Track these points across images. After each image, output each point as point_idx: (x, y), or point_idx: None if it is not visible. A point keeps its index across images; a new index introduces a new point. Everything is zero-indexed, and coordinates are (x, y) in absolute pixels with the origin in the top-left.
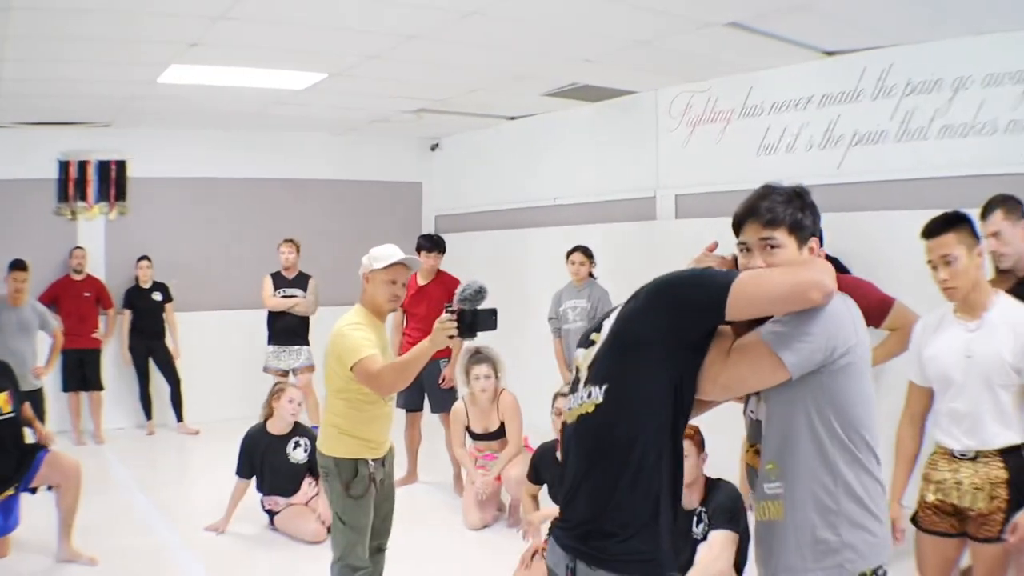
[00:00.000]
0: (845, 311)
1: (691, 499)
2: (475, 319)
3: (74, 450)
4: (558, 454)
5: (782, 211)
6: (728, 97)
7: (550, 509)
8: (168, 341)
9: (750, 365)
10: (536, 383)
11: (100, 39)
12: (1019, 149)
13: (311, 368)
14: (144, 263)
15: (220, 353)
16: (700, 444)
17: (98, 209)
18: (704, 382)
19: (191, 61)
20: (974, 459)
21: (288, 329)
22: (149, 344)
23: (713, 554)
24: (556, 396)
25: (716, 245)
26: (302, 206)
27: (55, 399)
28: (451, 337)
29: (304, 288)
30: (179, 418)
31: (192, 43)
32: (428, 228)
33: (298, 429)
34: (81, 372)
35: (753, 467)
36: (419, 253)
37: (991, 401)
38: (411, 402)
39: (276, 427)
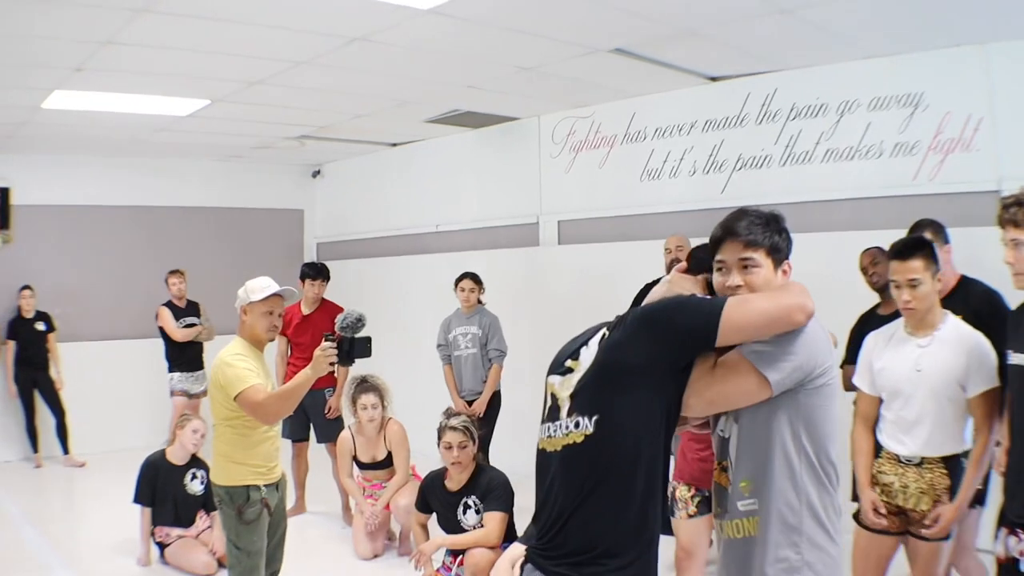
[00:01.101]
0: (822, 333)
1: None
2: (352, 346)
3: None
4: (446, 482)
5: (761, 233)
6: (611, 122)
7: (440, 538)
8: (52, 372)
9: (735, 382)
10: (421, 410)
11: None
12: (906, 170)
13: (207, 393)
14: (27, 292)
15: (106, 383)
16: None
17: None
18: (690, 398)
19: (76, 87)
20: (919, 465)
21: (193, 356)
22: (34, 375)
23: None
24: (443, 427)
25: (685, 267)
26: (186, 233)
27: None
28: (332, 364)
29: (197, 315)
30: (65, 450)
31: (77, 68)
32: (310, 255)
33: (196, 461)
34: None
35: (720, 484)
36: (303, 282)
37: (937, 412)
38: (297, 432)
39: (176, 456)
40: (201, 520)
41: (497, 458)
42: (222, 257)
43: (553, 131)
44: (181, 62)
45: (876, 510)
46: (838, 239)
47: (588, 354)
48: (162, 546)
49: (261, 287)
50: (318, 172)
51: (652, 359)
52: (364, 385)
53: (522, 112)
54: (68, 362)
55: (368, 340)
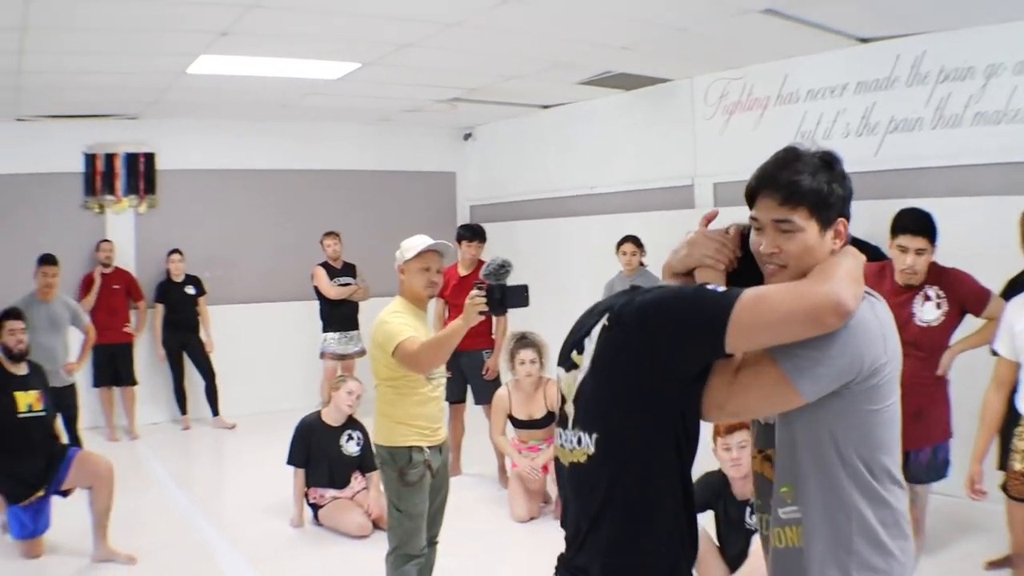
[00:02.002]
0: (875, 325)
1: (745, 489)
2: (504, 295)
3: (108, 446)
4: None
5: (806, 185)
6: (764, 84)
7: None
8: (202, 335)
9: (760, 392)
10: None
11: (127, 30)
12: None
13: (362, 353)
14: (176, 256)
15: (256, 346)
16: None
17: (127, 202)
18: (709, 409)
19: (222, 51)
20: None
21: (347, 316)
22: (183, 338)
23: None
24: None
25: (716, 214)
26: (335, 197)
27: (87, 395)
28: (482, 313)
29: (354, 276)
30: (215, 412)
31: (223, 32)
32: (463, 218)
33: (352, 422)
34: (113, 367)
35: (762, 475)
36: (460, 243)
37: None
38: (454, 393)
39: (331, 417)
40: (356, 481)
41: None
42: (376, 221)
43: (706, 93)
44: (331, 25)
45: (974, 486)
46: (989, 203)
47: (591, 347)
48: (315, 507)
49: (415, 245)
50: (470, 135)
51: (655, 368)
52: (523, 341)
53: (675, 74)
54: (218, 325)
55: (524, 288)
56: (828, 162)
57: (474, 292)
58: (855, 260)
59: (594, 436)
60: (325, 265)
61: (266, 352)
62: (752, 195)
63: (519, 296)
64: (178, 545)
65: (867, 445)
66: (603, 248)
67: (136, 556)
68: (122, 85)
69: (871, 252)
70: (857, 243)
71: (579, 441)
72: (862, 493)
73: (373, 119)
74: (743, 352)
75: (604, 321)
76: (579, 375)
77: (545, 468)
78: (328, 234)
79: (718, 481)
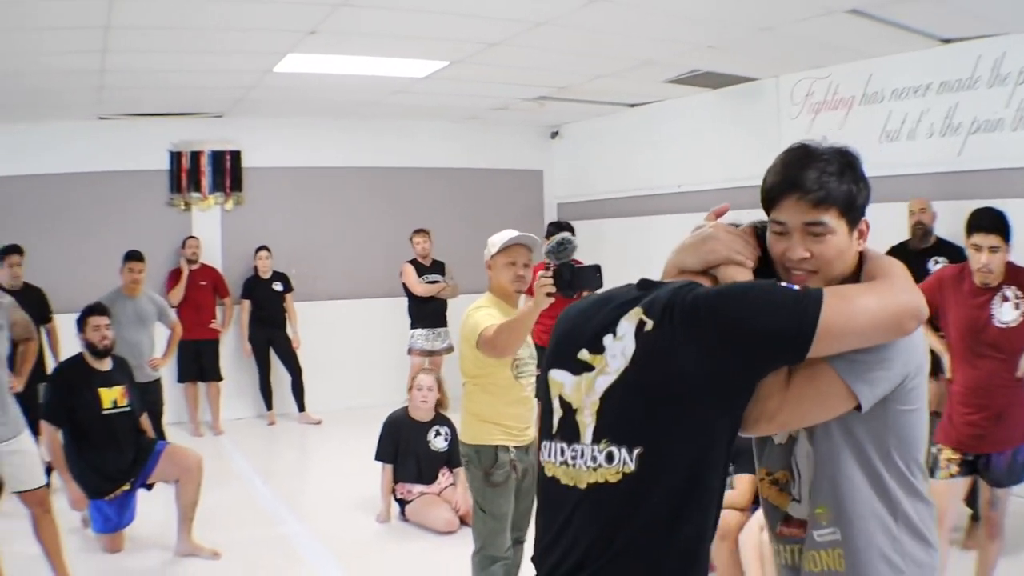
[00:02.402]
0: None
1: None
2: (574, 276)
3: (192, 441)
4: None
5: (835, 186)
6: (849, 83)
7: None
8: (289, 331)
9: (816, 399)
10: None
11: (214, 28)
12: None
13: (450, 350)
14: (264, 253)
15: (344, 342)
16: None
17: (213, 199)
18: (758, 421)
19: (309, 50)
20: None
21: (436, 313)
22: (270, 334)
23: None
24: None
25: (726, 209)
26: (423, 194)
27: (171, 390)
28: (550, 295)
29: (442, 274)
30: (301, 408)
31: (311, 31)
32: (550, 216)
33: (440, 418)
34: (198, 363)
35: (768, 500)
36: (549, 240)
37: None
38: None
39: (419, 413)
40: (444, 477)
41: None
42: (463, 218)
43: (792, 92)
44: (419, 23)
45: None
46: None
47: (618, 348)
48: (403, 503)
49: (500, 239)
50: (556, 133)
51: (719, 369)
52: None
53: (761, 73)
54: (305, 321)
55: (596, 268)
56: (851, 161)
57: (542, 273)
58: (902, 267)
59: (636, 452)
60: (414, 262)
61: (353, 348)
62: (774, 197)
63: (591, 277)
64: (262, 540)
65: (905, 444)
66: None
67: (220, 551)
68: (208, 84)
69: (955, 253)
70: (942, 244)
71: (609, 458)
72: (906, 492)
73: (460, 117)
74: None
75: (641, 317)
76: (601, 379)
77: None
78: (417, 231)
79: None
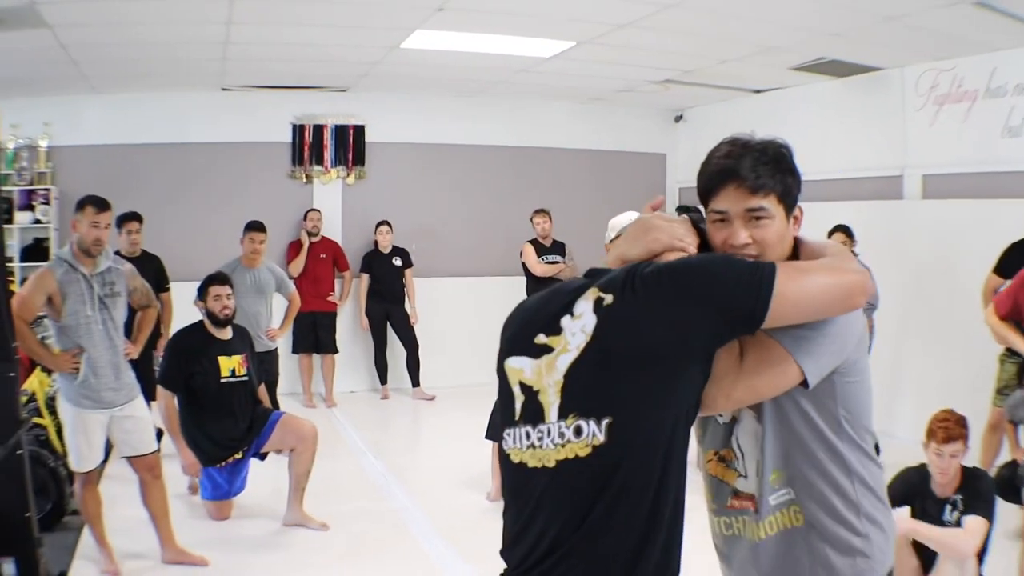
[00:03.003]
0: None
1: (946, 488)
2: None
3: (304, 412)
4: None
5: (772, 174)
6: (973, 76)
7: None
8: (407, 306)
9: (767, 376)
10: None
11: (342, 2)
12: None
13: None
14: (384, 228)
15: (461, 319)
16: (968, 439)
17: (335, 173)
18: (716, 397)
19: (437, 26)
20: None
21: None
22: (387, 309)
23: (967, 533)
24: None
25: (662, 202)
26: (545, 174)
27: (287, 360)
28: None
29: (563, 254)
30: (415, 383)
31: (439, 7)
32: (672, 200)
33: None
34: (314, 335)
35: (716, 477)
36: None
37: None
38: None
39: None
40: None
41: None
42: (585, 199)
43: (917, 83)
44: (547, 3)
45: None
46: None
47: (577, 326)
48: None
49: (620, 223)
50: (680, 117)
51: (684, 336)
52: None
53: (885, 63)
54: (423, 297)
55: None
56: (783, 151)
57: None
58: (838, 244)
59: (604, 422)
60: (534, 242)
61: (470, 326)
62: (713, 188)
63: None
64: (371, 514)
65: (855, 414)
66: (812, 234)
67: (328, 523)
68: (334, 58)
69: None
70: None
71: (578, 432)
72: (859, 456)
73: (585, 98)
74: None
75: (599, 295)
76: (563, 358)
77: None
78: (538, 212)
79: (918, 477)
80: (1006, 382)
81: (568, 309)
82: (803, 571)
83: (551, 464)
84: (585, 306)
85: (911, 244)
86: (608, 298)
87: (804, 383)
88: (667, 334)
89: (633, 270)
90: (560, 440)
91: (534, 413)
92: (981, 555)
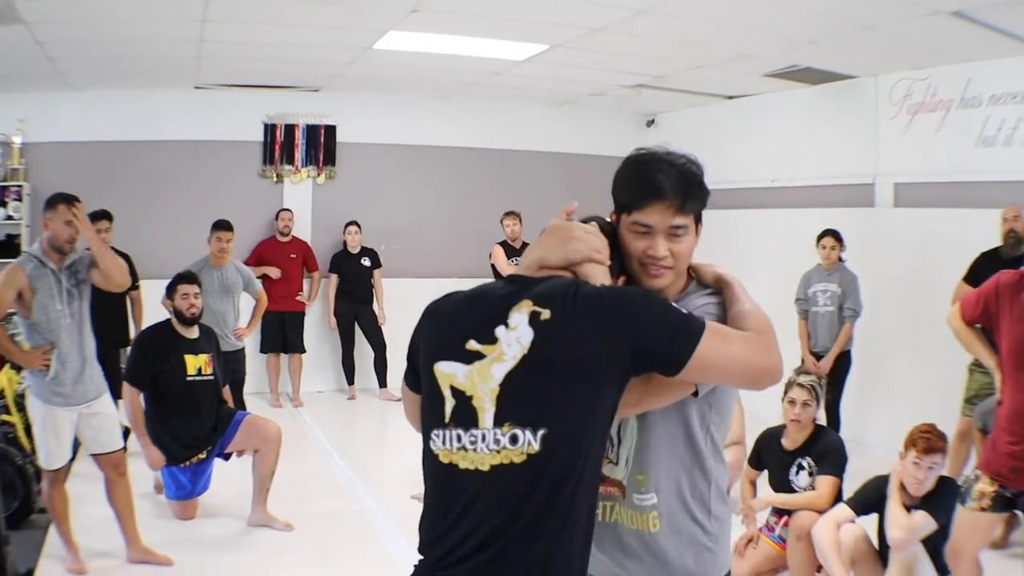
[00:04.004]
0: None
1: (916, 498)
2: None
3: (271, 412)
4: (783, 440)
5: (695, 195)
6: (947, 86)
7: (771, 496)
8: (375, 307)
9: (667, 388)
10: None
11: (315, 2)
12: None
13: None
14: (353, 228)
15: None
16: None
17: (305, 172)
18: (624, 408)
19: (410, 28)
20: None
21: None
22: (356, 309)
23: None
24: (790, 383)
25: (576, 209)
26: (515, 177)
27: (254, 360)
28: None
29: None
30: (382, 384)
31: (412, 9)
32: None
33: None
34: (282, 334)
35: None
36: None
37: None
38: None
39: None
40: None
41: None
42: (556, 202)
43: (891, 91)
44: (521, 6)
45: None
46: None
47: (513, 337)
48: None
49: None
50: (652, 121)
51: (613, 356)
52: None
53: (860, 71)
54: (391, 298)
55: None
56: (701, 171)
57: None
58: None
59: (540, 433)
60: (504, 244)
61: None
62: (639, 203)
63: None
64: (337, 514)
65: (721, 416)
66: (782, 241)
67: (293, 523)
68: (307, 58)
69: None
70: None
71: (513, 440)
72: (715, 459)
73: (557, 101)
74: None
75: (534, 308)
76: (498, 366)
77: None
78: (508, 214)
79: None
80: (975, 391)
81: (502, 319)
82: (662, 570)
83: (485, 468)
84: (520, 318)
85: (882, 252)
86: (545, 313)
87: (695, 393)
88: (599, 350)
89: (573, 289)
90: (496, 446)
91: (466, 417)
92: (936, 545)
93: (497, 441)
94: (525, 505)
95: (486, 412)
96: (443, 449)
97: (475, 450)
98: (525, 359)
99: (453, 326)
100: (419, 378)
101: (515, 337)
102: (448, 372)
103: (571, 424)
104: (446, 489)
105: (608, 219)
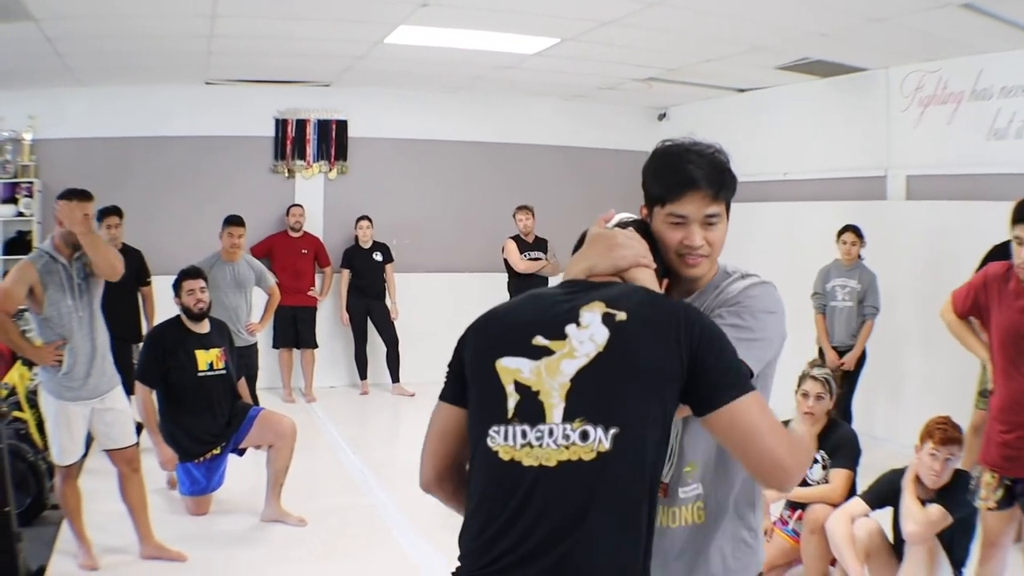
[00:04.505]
0: (782, 301)
1: (928, 490)
2: None
3: (283, 407)
4: (796, 425)
5: (727, 184)
6: (959, 79)
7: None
8: (387, 302)
9: None
10: None
11: None
12: None
13: None
14: (365, 223)
15: (442, 315)
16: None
17: (317, 168)
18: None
19: (421, 22)
20: None
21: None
22: (368, 304)
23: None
24: (804, 375)
25: (613, 216)
26: (530, 171)
27: (266, 355)
28: None
29: (545, 251)
30: (395, 379)
31: (423, 3)
32: None
33: None
34: (294, 329)
35: None
36: None
37: None
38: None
39: None
40: None
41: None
42: (567, 196)
43: (902, 84)
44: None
45: None
46: None
47: (586, 335)
48: None
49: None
50: (664, 115)
51: (677, 373)
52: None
53: (871, 63)
54: (403, 293)
55: None
56: (728, 160)
57: None
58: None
59: (612, 432)
60: (516, 239)
61: (450, 322)
62: (674, 194)
63: None
64: (349, 509)
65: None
66: (794, 234)
67: (306, 519)
68: (317, 53)
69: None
70: None
71: (584, 436)
72: None
73: (568, 95)
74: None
75: (606, 309)
76: (568, 362)
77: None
78: (521, 208)
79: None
80: (989, 384)
81: (572, 318)
82: (702, 565)
83: (551, 464)
84: (592, 317)
85: (894, 245)
86: (621, 315)
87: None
88: (669, 360)
89: (648, 296)
90: (564, 442)
91: (533, 413)
92: (952, 538)
93: (567, 437)
94: (593, 505)
95: (555, 407)
96: (504, 445)
97: (541, 445)
98: (600, 357)
99: (516, 324)
100: (461, 391)
101: (588, 335)
102: (513, 367)
103: (641, 427)
104: (502, 488)
105: (639, 215)
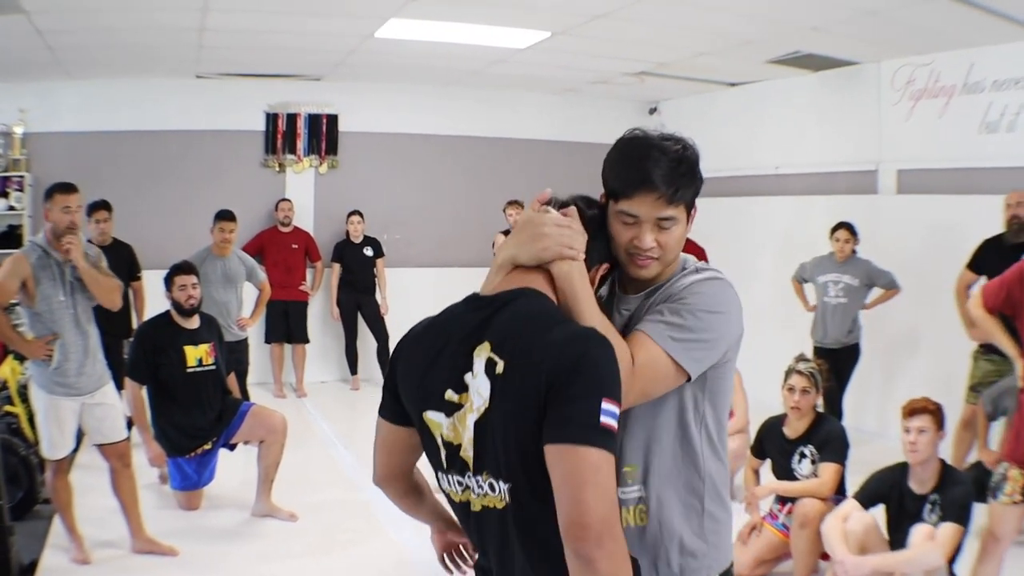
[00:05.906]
0: (736, 300)
1: (925, 482)
2: None
3: (274, 402)
4: (784, 429)
5: (686, 185)
6: (950, 72)
7: (773, 484)
8: (378, 297)
9: (654, 379)
10: (759, 358)
11: None
12: None
13: None
14: (355, 218)
15: (430, 310)
16: (940, 421)
17: (308, 162)
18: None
19: (411, 15)
20: None
21: None
22: (358, 299)
23: (935, 544)
24: (790, 370)
25: (549, 195)
26: (517, 166)
27: (257, 350)
28: None
29: None
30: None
31: None
32: None
33: None
34: (285, 324)
35: None
36: None
37: None
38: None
39: None
40: None
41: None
42: (559, 190)
43: (893, 78)
44: None
45: None
46: None
47: (475, 386)
48: None
49: None
50: (655, 109)
51: (543, 412)
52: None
53: (863, 57)
54: (394, 288)
55: None
56: (694, 158)
57: None
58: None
59: (506, 486)
60: (507, 233)
61: None
62: (627, 192)
63: None
64: (341, 504)
65: (718, 410)
66: (786, 228)
67: (297, 514)
68: (308, 46)
69: None
70: None
71: (492, 488)
72: (710, 453)
73: (559, 89)
74: (627, 336)
75: (490, 355)
76: (470, 417)
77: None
78: (511, 203)
79: (897, 473)
80: (980, 379)
81: (470, 365)
82: (648, 570)
83: (477, 509)
84: (479, 365)
85: (885, 239)
86: (500, 365)
87: (688, 378)
88: (536, 403)
89: (533, 335)
90: (481, 491)
91: (459, 465)
92: (952, 559)
93: (480, 486)
94: (510, 545)
95: (471, 460)
96: (450, 490)
97: (472, 492)
98: (487, 412)
99: (432, 373)
100: (400, 410)
101: (476, 387)
102: (436, 422)
103: (535, 476)
104: (463, 523)
105: (597, 199)
